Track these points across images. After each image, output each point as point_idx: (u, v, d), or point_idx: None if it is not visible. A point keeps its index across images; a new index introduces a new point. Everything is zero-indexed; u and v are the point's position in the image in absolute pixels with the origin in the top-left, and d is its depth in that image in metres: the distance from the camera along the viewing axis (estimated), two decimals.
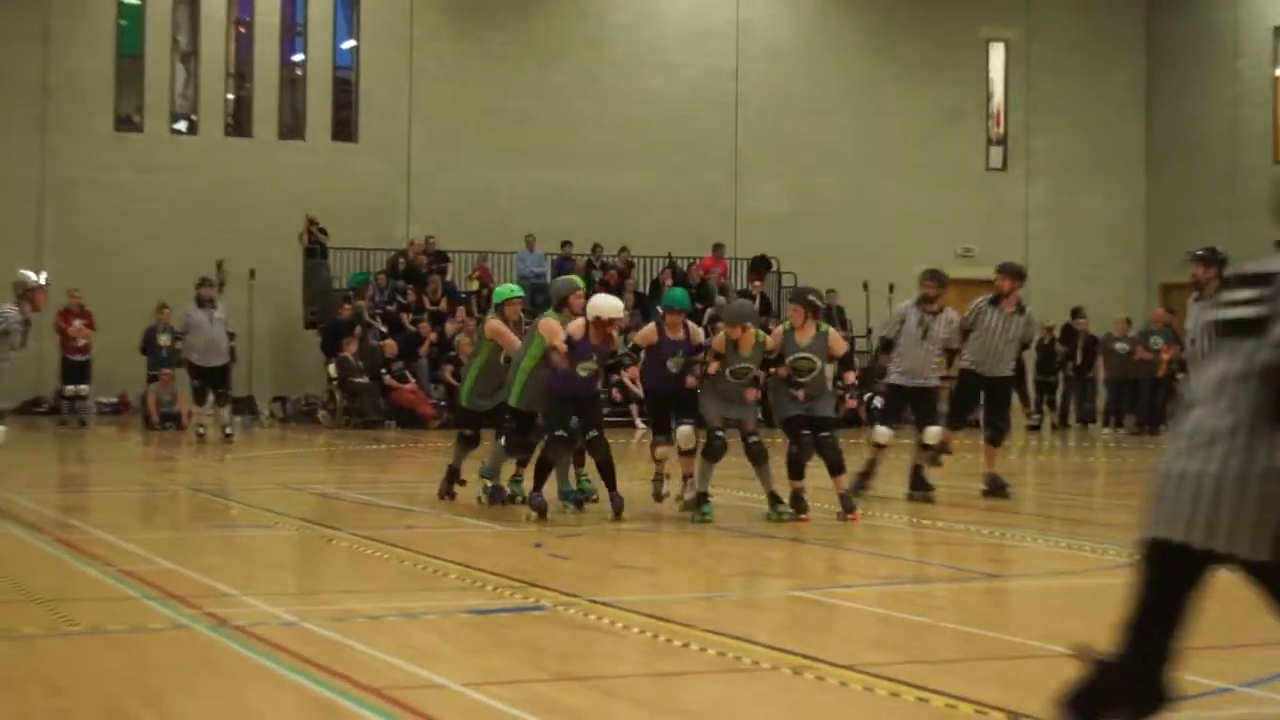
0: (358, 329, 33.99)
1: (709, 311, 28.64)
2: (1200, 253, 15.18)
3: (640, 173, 39.84)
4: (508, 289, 18.81)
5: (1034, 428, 35.45)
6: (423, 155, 39.05)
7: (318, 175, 38.20)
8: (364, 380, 33.63)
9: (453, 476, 18.67)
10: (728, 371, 16.73)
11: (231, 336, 29.41)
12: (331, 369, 33.84)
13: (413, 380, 34.50)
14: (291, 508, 18.70)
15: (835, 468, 16.93)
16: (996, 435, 19.94)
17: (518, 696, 8.54)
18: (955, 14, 43.04)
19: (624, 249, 38.61)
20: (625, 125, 40.23)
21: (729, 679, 9.28)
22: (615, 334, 17.20)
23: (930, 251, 40.26)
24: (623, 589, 12.39)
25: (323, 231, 37.21)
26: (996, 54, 44.44)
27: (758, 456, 16.75)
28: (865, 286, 38.94)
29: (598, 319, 16.67)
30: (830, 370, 17.21)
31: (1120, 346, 36.01)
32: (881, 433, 19.84)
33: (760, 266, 33.77)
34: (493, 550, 14.80)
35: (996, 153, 44.54)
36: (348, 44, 39.75)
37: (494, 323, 18.17)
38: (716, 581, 12.67)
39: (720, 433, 16.88)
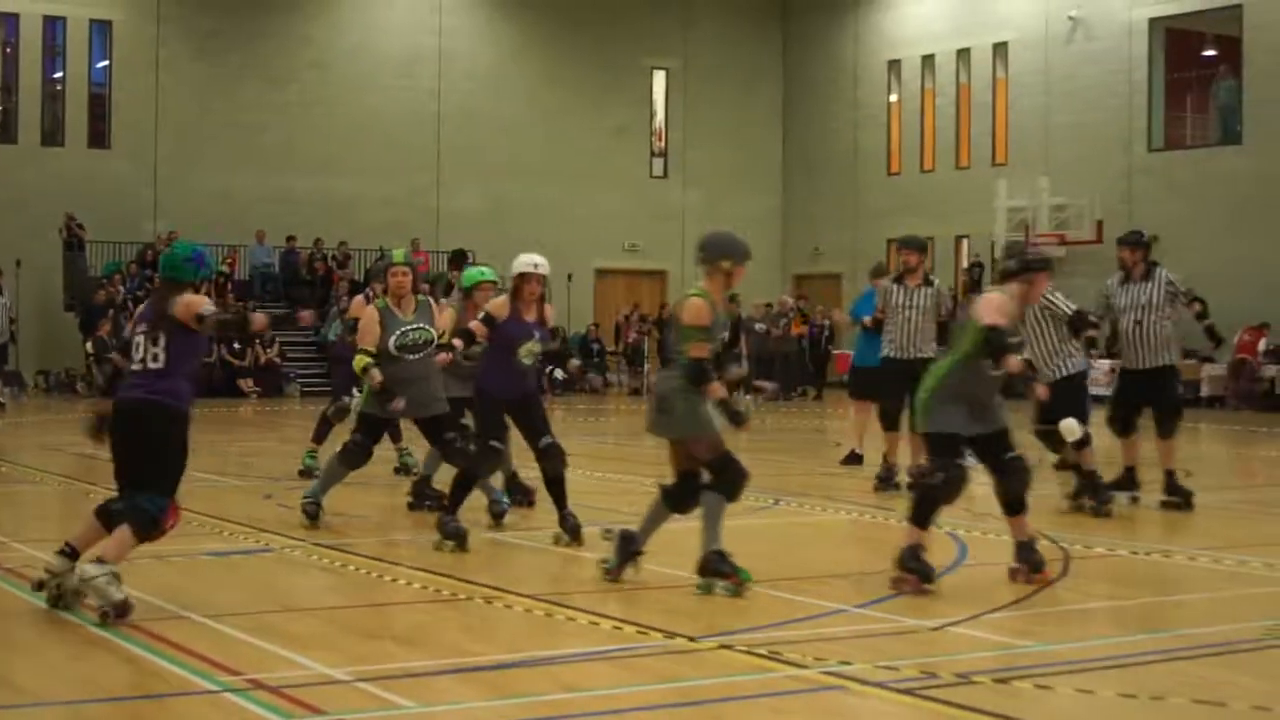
0: (110, 312, 33.46)
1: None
2: (1131, 238, 14.57)
3: (357, 177, 39.59)
4: (477, 272, 14.03)
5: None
6: (168, 161, 38.46)
7: (76, 178, 37.45)
8: (116, 356, 33.07)
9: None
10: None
11: (13, 321, 28.88)
12: (88, 346, 33.38)
13: None
14: (54, 466, 18.40)
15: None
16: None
17: (251, 625, 8.58)
18: (624, 46, 43.28)
19: (343, 243, 38.56)
20: (345, 137, 39.97)
21: (431, 608, 9.38)
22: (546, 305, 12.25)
23: (604, 246, 40.76)
24: (344, 534, 12.38)
25: (80, 227, 36.64)
26: (659, 80, 44.76)
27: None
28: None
29: (520, 277, 11.83)
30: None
31: (759, 326, 36.80)
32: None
33: (458, 259, 33.45)
34: (232, 501, 14.65)
35: (659, 163, 44.86)
36: (102, 63, 39.02)
37: (451, 314, 13.60)
38: (428, 524, 12.58)
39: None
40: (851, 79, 43.89)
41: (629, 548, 9.98)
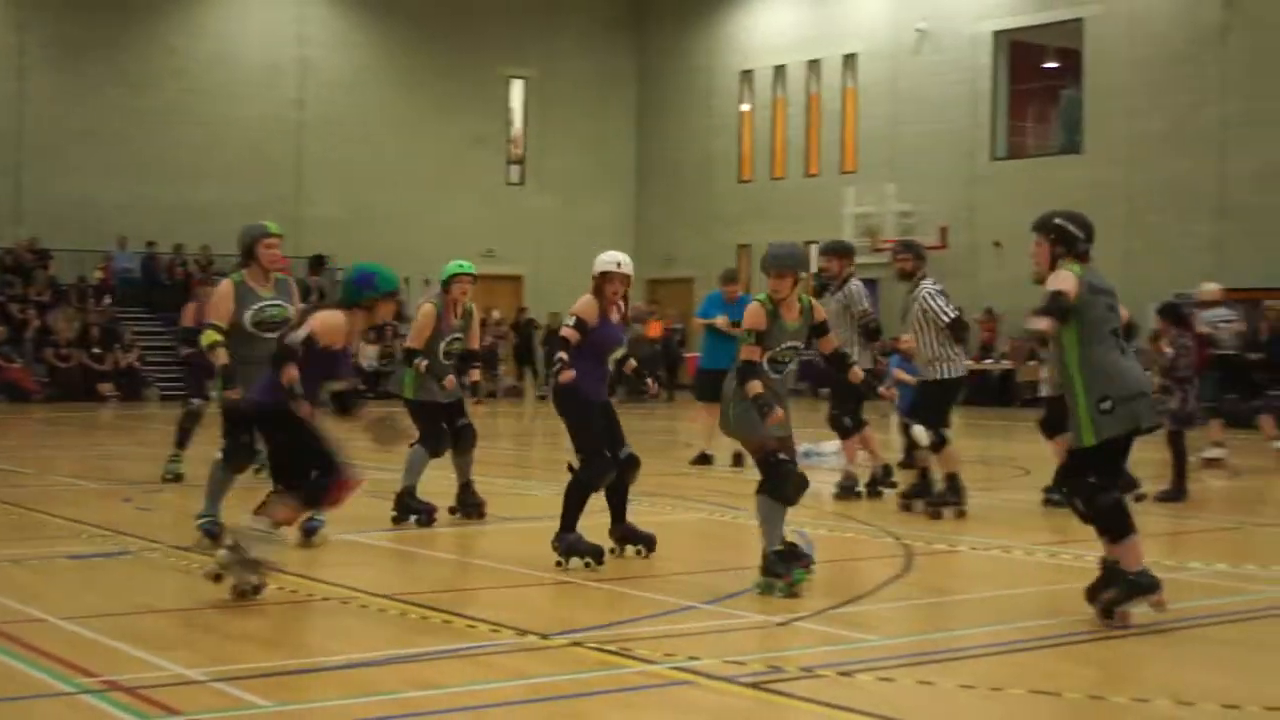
0: None
1: None
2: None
3: (218, 184, 39.17)
4: (456, 265, 13.28)
5: (542, 398, 35.79)
6: (29, 167, 37.95)
7: None
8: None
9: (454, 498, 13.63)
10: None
11: None
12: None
13: (19, 360, 33.63)
14: None
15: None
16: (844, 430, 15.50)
17: (108, 628, 8.49)
18: (482, 55, 43.15)
19: (205, 246, 38.13)
20: (206, 144, 39.54)
21: (287, 609, 9.33)
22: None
23: (461, 252, 40.25)
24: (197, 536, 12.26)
25: None
26: (516, 89, 44.71)
27: None
28: (407, 281, 39.31)
29: (604, 276, 10.98)
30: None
31: (634, 328, 37.02)
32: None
33: (317, 264, 33.50)
34: (91, 505, 14.48)
35: (515, 170, 44.83)
36: None
37: (427, 307, 13.23)
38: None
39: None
40: (705, 88, 44.09)
41: (793, 557, 9.66)
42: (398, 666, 7.65)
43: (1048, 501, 14.56)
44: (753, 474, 16.01)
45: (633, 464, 11.14)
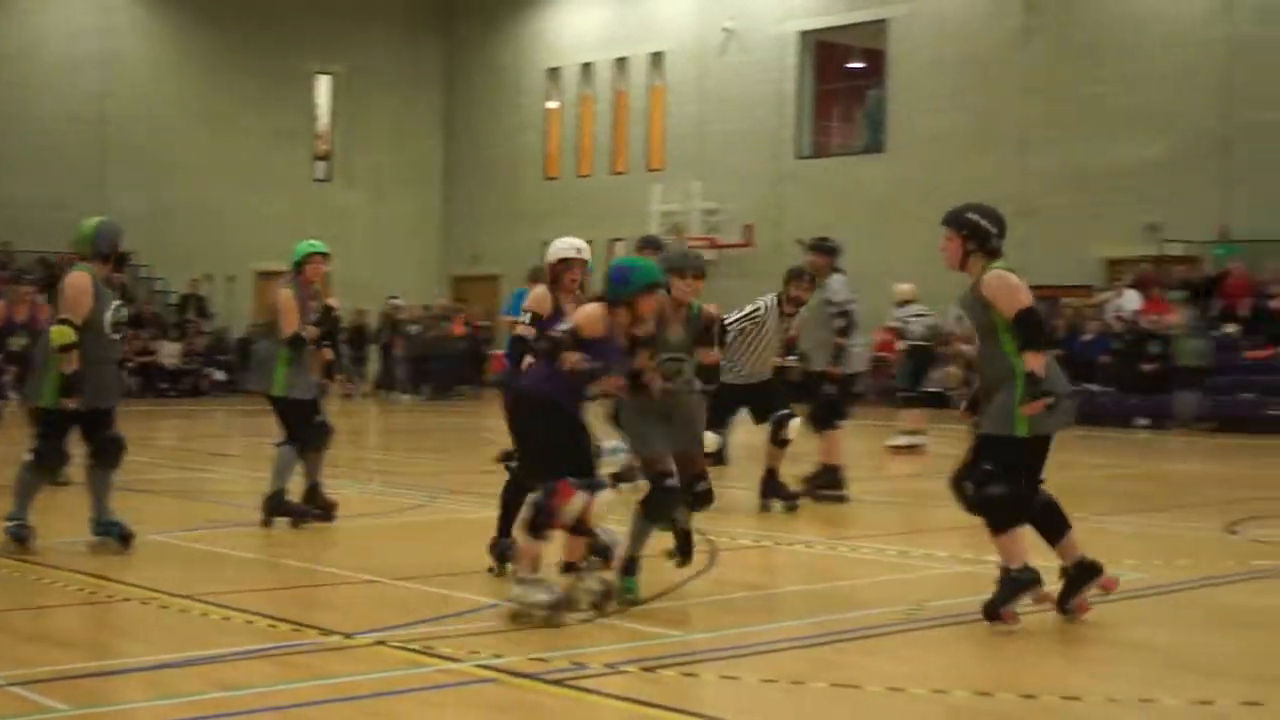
0: None
1: None
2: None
3: (20, 177, 38.47)
4: (308, 245, 12.96)
5: (348, 395, 35.62)
6: None
7: None
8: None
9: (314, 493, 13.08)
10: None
11: None
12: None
13: None
14: None
15: None
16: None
17: None
18: (288, 50, 42.71)
19: (6, 242, 37.40)
20: (7, 138, 38.85)
21: (87, 610, 9.22)
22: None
23: (266, 249, 40.07)
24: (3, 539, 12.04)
25: None
26: (324, 85, 44.35)
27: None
28: (209, 278, 39.12)
29: (563, 263, 10.36)
30: None
31: (414, 329, 36.98)
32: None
33: (120, 260, 33.04)
34: None
35: (323, 166, 44.49)
36: None
37: (285, 293, 12.72)
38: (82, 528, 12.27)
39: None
40: (513, 85, 44.04)
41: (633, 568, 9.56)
42: (199, 668, 7.58)
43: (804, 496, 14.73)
44: None
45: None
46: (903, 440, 21.01)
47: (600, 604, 8.96)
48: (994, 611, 8.65)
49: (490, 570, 10.31)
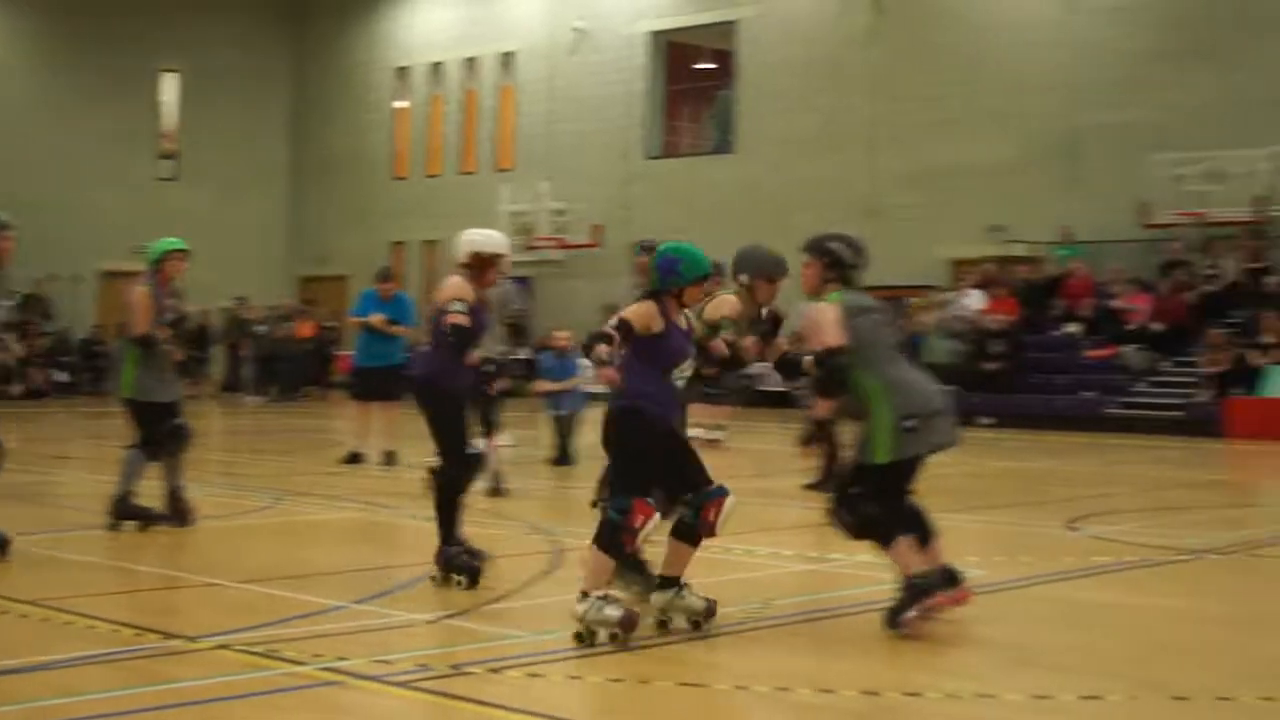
0: None
1: None
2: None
3: None
4: (167, 242, 12.77)
5: (193, 397, 35.20)
6: None
7: None
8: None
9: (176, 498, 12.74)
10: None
11: None
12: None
13: None
14: None
15: None
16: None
17: None
18: (133, 47, 42.21)
19: None
20: None
21: None
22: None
23: (109, 249, 39.65)
24: None
25: None
26: (170, 83, 43.90)
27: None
28: (53, 278, 38.65)
29: (493, 259, 10.07)
30: None
31: (261, 329, 36.76)
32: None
33: None
34: None
35: (168, 165, 44.03)
36: None
37: (140, 290, 12.44)
38: None
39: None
40: (361, 84, 43.86)
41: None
42: (41, 674, 7.47)
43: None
44: (402, 472, 16.08)
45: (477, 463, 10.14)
46: (702, 433, 21.19)
47: (703, 622, 8.65)
48: (894, 619, 8.53)
49: (432, 579, 9.92)
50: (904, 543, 8.60)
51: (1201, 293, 28.29)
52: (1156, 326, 27.72)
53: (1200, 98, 29.65)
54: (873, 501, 8.59)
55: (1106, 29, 31.08)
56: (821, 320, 8.65)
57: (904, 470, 8.67)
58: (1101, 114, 30.67)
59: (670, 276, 8.60)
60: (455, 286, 9.85)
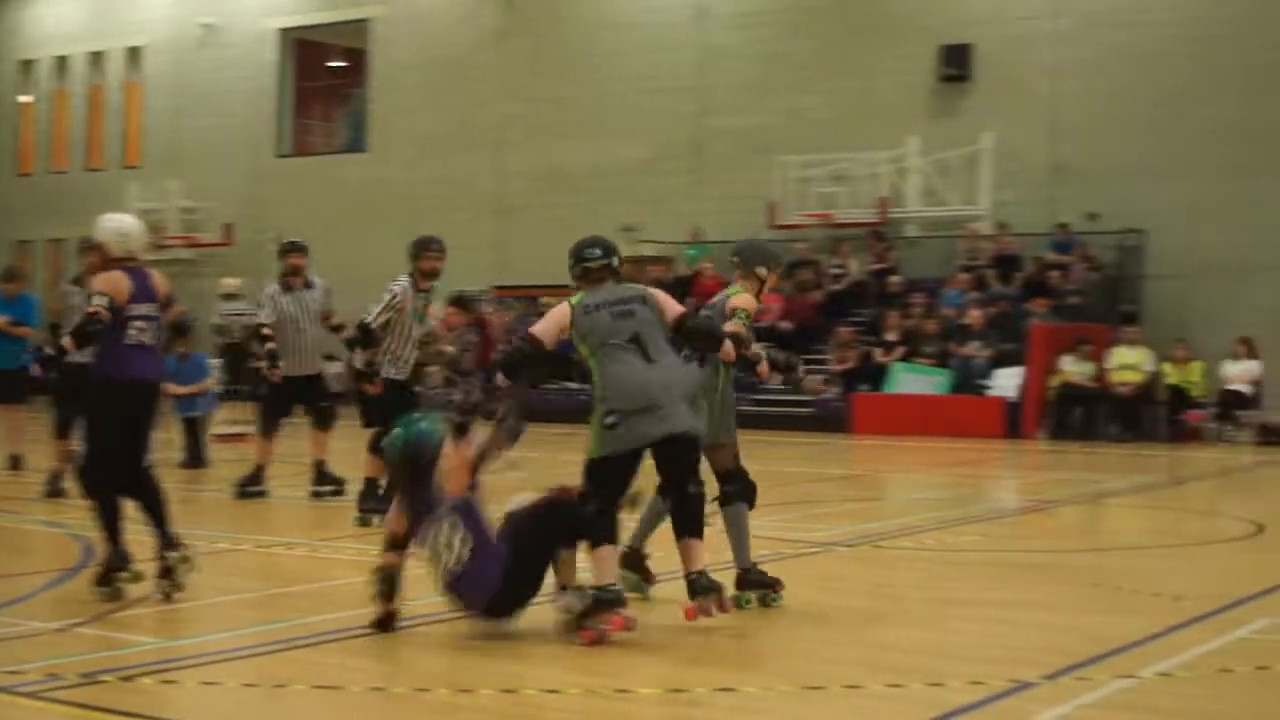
0: None
1: None
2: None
3: None
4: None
5: None
6: None
7: None
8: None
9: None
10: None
11: None
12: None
13: None
14: None
15: None
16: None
17: None
18: None
19: None
20: None
21: None
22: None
23: None
24: None
25: None
26: None
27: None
28: None
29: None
30: None
31: None
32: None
33: None
34: None
35: None
36: None
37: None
38: None
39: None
40: None
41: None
42: None
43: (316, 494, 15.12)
44: (27, 476, 15.69)
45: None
46: (226, 429, 21.54)
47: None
48: (575, 625, 8.50)
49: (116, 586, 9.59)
50: (605, 552, 8.59)
51: (829, 292, 29.09)
52: (785, 325, 28.35)
53: (826, 102, 30.48)
54: (591, 500, 8.62)
55: (734, 33, 31.73)
56: (547, 314, 8.91)
57: (618, 466, 8.67)
58: (731, 117, 31.33)
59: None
60: (109, 281, 9.48)
